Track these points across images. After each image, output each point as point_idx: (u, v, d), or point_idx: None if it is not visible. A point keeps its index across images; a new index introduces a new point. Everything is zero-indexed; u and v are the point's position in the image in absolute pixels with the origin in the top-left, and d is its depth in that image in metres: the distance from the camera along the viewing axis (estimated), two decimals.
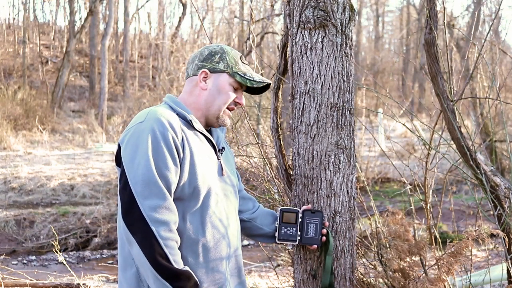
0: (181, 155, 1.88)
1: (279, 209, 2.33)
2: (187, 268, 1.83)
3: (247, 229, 2.32)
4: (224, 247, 1.99)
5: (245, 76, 2.06)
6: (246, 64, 2.11)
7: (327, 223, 2.37)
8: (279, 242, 2.31)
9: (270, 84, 2.15)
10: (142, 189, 1.79)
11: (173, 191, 1.85)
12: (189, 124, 1.97)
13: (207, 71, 2.04)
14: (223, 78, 2.03)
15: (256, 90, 2.19)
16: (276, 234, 2.30)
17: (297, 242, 2.29)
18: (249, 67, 2.11)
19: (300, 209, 2.35)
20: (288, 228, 2.29)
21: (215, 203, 1.97)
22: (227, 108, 2.06)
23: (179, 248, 1.87)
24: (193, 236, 1.90)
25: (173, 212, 1.83)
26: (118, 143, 1.92)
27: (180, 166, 1.87)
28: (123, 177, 1.83)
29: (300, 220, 2.30)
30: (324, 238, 2.31)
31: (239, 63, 2.07)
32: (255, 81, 2.07)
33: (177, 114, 1.96)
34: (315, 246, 2.31)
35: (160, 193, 1.80)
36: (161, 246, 1.77)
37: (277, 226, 2.30)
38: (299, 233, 2.29)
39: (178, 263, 1.80)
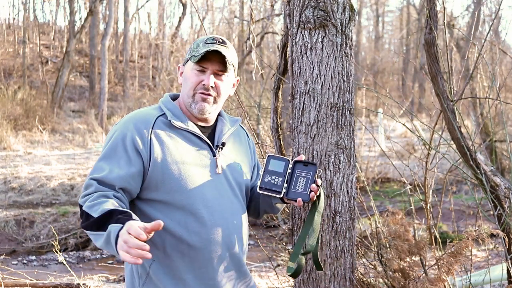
0: (146, 156, 1.87)
1: (267, 156, 2.05)
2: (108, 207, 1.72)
3: (253, 209, 2.19)
4: (217, 248, 1.92)
5: (195, 54, 1.95)
6: (211, 43, 1.95)
7: (319, 181, 2.00)
8: (260, 191, 1.97)
9: (221, 53, 1.94)
10: (87, 183, 1.84)
11: (124, 188, 1.85)
12: (168, 123, 1.95)
13: (181, 66, 2.07)
14: (188, 66, 2.01)
15: (223, 62, 1.98)
16: (258, 183, 1.97)
17: (281, 195, 1.96)
18: (212, 45, 1.94)
19: (291, 159, 2.04)
20: (273, 177, 1.96)
21: (203, 203, 1.91)
22: (198, 93, 1.96)
23: (164, 247, 1.87)
24: (177, 236, 1.87)
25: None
26: None
27: (148, 167, 1.87)
28: None
29: (289, 171, 1.98)
30: (313, 194, 1.96)
31: (201, 45, 1.96)
32: (198, 54, 1.93)
33: (162, 114, 1.97)
34: (301, 200, 1.95)
35: (95, 183, 1.82)
36: (86, 212, 1.76)
37: (261, 173, 1.98)
38: (285, 185, 1.96)
39: (99, 211, 1.72)
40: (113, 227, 1.63)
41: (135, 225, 1.58)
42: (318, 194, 1.99)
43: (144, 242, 1.55)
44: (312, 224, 2.02)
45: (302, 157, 2.04)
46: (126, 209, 1.74)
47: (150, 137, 1.89)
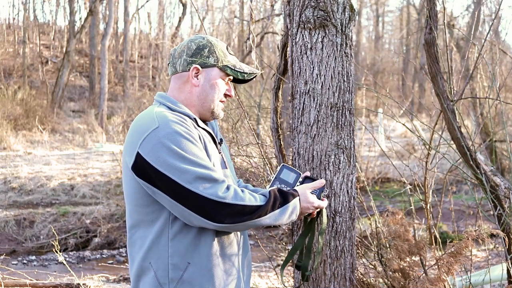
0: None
1: (281, 164, 2.17)
2: (270, 194, 1.91)
3: None
4: (236, 243, 2.01)
5: (235, 69, 2.05)
6: (232, 54, 2.09)
7: (326, 201, 2.16)
8: None
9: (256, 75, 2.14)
10: (203, 183, 1.80)
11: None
12: (195, 122, 1.97)
13: (198, 66, 2.01)
14: (214, 73, 2.02)
15: (242, 80, 2.15)
16: (268, 186, 2.10)
17: None
18: (235, 57, 2.10)
19: (302, 174, 2.18)
20: (283, 186, 2.09)
21: None
22: (221, 101, 2.07)
23: (199, 245, 1.89)
24: (211, 235, 1.91)
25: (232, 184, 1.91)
26: (136, 154, 1.85)
27: None
28: (171, 187, 1.80)
29: (298, 184, 2.12)
30: (315, 212, 2.12)
31: (227, 54, 2.06)
32: (246, 73, 2.07)
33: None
34: None
35: (215, 178, 1.82)
36: (250, 205, 1.84)
37: (272, 179, 2.13)
38: None
39: (262, 199, 1.89)
40: (294, 200, 1.95)
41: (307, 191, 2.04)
42: (318, 211, 2.13)
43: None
44: (318, 246, 2.20)
45: (308, 173, 2.20)
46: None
47: (198, 134, 1.92)
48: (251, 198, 1.85)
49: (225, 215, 1.80)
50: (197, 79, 2.02)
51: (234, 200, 1.80)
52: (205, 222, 1.81)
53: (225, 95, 2.07)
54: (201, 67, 2.01)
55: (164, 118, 1.87)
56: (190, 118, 1.96)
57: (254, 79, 2.18)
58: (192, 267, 1.88)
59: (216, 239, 1.92)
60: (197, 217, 1.81)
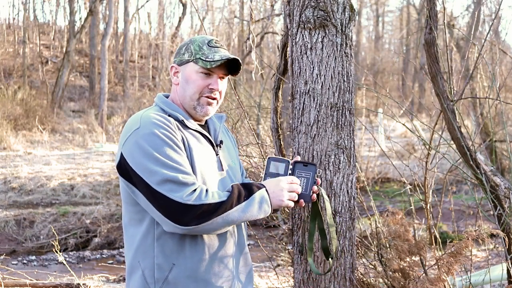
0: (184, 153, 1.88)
1: (267, 157, 2.07)
2: (233, 188, 1.87)
3: None
4: (230, 245, 1.98)
5: (206, 59, 1.96)
6: (215, 47, 2.00)
7: (319, 180, 2.07)
8: None
9: (238, 60, 2.00)
10: (170, 186, 1.78)
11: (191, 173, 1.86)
12: (182, 124, 1.95)
13: (175, 65, 2.03)
14: (189, 68, 1.99)
15: (233, 70, 2.04)
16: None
17: None
18: (218, 49, 2.00)
19: (291, 160, 2.08)
20: None
21: None
22: (204, 96, 1.99)
23: (184, 247, 1.88)
24: (196, 237, 1.89)
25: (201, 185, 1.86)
26: (120, 154, 1.88)
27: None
28: (144, 187, 1.81)
29: (290, 172, 2.02)
30: (314, 196, 2.03)
31: (204, 48, 1.98)
32: (214, 60, 1.95)
33: (168, 116, 1.94)
34: (303, 202, 2.00)
35: (184, 181, 1.80)
36: (214, 203, 1.80)
37: (263, 176, 2.03)
38: None
39: (225, 194, 1.85)
40: (260, 191, 1.88)
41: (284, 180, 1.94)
42: (318, 194, 2.05)
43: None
44: (331, 229, 2.14)
45: (299, 158, 2.11)
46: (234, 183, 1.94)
47: (181, 135, 1.90)
48: (215, 196, 1.81)
49: (191, 217, 1.77)
50: (177, 77, 2.03)
51: (197, 201, 1.77)
52: (173, 225, 1.79)
53: (211, 90, 1.99)
54: (178, 65, 2.03)
55: (147, 119, 1.87)
56: (178, 119, 1.94)
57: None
58: (177, 268, 1.87)
59: (203, 241, 1.90)
60: (166, 220, 1.80)
